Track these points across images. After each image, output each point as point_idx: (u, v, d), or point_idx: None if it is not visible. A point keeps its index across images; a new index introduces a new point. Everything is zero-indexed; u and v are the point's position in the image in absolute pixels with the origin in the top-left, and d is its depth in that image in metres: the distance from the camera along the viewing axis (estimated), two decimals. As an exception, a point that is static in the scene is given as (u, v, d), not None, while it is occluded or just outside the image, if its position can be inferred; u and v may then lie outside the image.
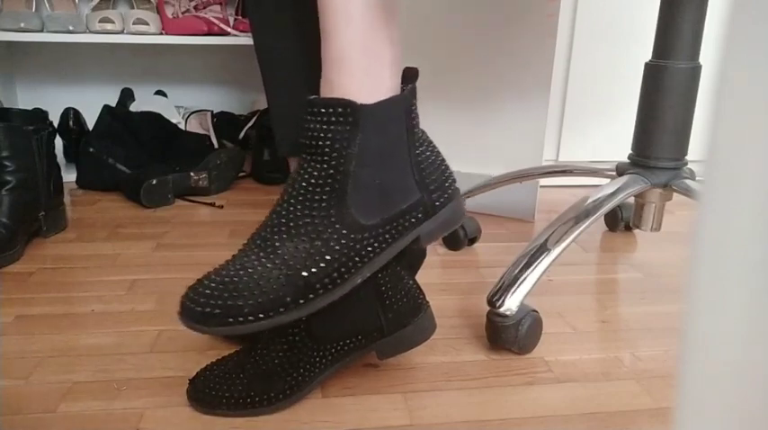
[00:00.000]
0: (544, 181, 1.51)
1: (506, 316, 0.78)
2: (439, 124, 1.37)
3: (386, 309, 0.68)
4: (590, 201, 0.89)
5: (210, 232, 1.23)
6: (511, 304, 0.78)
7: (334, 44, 0.59)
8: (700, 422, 0.21)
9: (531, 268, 0.81)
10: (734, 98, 0.18)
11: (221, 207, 1.38)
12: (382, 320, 0.69)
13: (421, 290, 0.73)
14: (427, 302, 0.73)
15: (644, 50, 1.48)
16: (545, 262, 0.81)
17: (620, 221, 1.27)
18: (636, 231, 1.29)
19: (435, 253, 1.15)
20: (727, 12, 0.18)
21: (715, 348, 0.20)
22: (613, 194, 0.90)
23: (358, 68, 0.59)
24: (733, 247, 0.19)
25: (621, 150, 1.24)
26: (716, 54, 0.19)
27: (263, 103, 1.81)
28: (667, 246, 1.21)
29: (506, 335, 0.79)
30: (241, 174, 1.60)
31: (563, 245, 0.83)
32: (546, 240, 0.83)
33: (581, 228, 0.85)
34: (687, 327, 0.21)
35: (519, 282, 0.80)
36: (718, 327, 0.19)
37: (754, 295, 0.18)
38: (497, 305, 0.78)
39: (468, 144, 1.36)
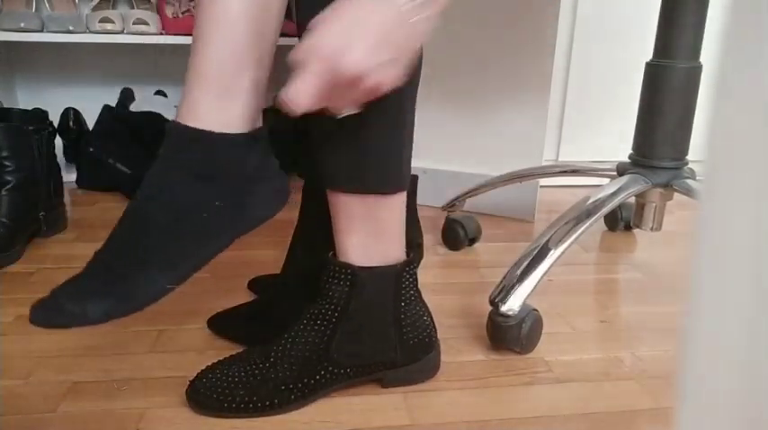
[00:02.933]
0: (544, 181, 1.50)
1: (509, 316, 0.78)
2: (439, 124, 1.37)
3: (403, 343, 0.71)
4: (591, 201, 0.89)
5: (211, 232, 1.22)
6: (513, 304, 0.78)
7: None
8: (699, 422, 0.21)
9: (533, 269, 0.81)
10: (734, 98, 0.18)
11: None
12: (398, 353, 0.71)
13: (434, 326, 0.74)
14: (438, 340, 0.75)
15: (644, 50, 1.48)
16: (547, 262, 0.81)
17: (620, 221, 1.27)
18: (636, 231, 1.29)
19: (435, 253, 1.15)
20: (727, 12, 0.18)
21: (715, 348, 0.20)
22: (614, 194, 0.90)
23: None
24: (733, 247, 0.19)
25: (622, 150, 1.24)
26: (716, 54, 0.19)
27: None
28: (667, 246, 1.21)
29: (509, 335, 0.79)
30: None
31: (564, 245, 0.83)
32: (547, 241, 0.83)
33: (582, 229, 0.85)
34: (687, 327, 0.21)
35: (521, 282, 0.80)
36: (719, 327, 0.19)
37: (755, 295, 0.18)
38: (500, 305, 0.78)
39: (468, 144, 1.36)
